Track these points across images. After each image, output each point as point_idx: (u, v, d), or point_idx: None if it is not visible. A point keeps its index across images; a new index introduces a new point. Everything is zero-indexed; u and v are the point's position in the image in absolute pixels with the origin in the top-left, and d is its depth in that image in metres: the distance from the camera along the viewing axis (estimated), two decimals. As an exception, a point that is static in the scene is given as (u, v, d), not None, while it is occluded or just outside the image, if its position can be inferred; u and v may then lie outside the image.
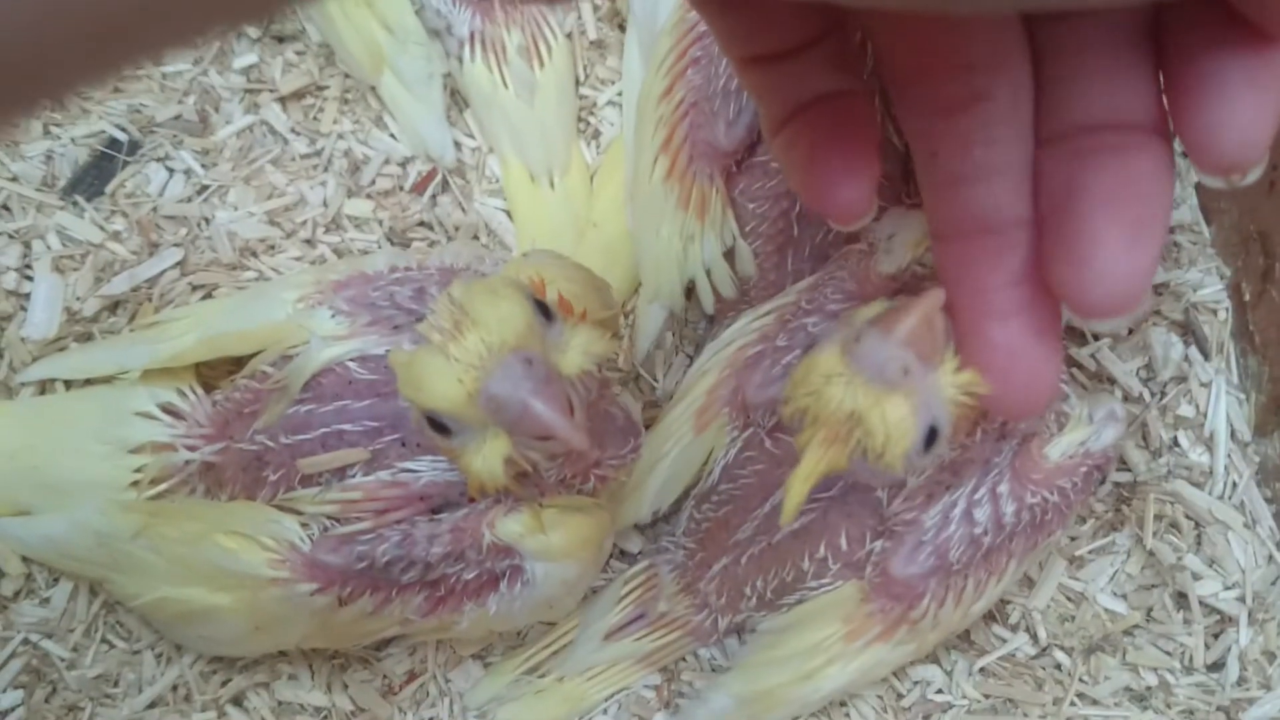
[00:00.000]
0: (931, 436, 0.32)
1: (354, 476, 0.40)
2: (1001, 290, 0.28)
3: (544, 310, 0.36)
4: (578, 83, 0.55)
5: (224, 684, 0.48)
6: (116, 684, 0.48)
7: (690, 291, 0.48)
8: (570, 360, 0.35)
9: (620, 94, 0.55)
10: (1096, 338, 0.49)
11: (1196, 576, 0.47)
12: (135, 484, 0.43)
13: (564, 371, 0.35)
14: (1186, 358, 0.49)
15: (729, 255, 0.46)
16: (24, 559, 0.48)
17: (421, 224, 0.53)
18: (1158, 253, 0.26)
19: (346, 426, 0.40)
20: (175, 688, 0.47)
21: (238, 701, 0.48)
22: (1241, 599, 0.47)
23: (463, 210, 0.54)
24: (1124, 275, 0.25)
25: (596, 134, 0.55)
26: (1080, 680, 0.47)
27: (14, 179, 0.52)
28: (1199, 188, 0.52)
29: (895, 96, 0.28)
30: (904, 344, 0.31)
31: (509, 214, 0.54)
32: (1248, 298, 0.49)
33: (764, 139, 0.30)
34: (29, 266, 0.51)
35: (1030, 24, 0.26)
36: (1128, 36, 0.25)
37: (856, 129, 0.28)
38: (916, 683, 0.47)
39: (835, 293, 0.42)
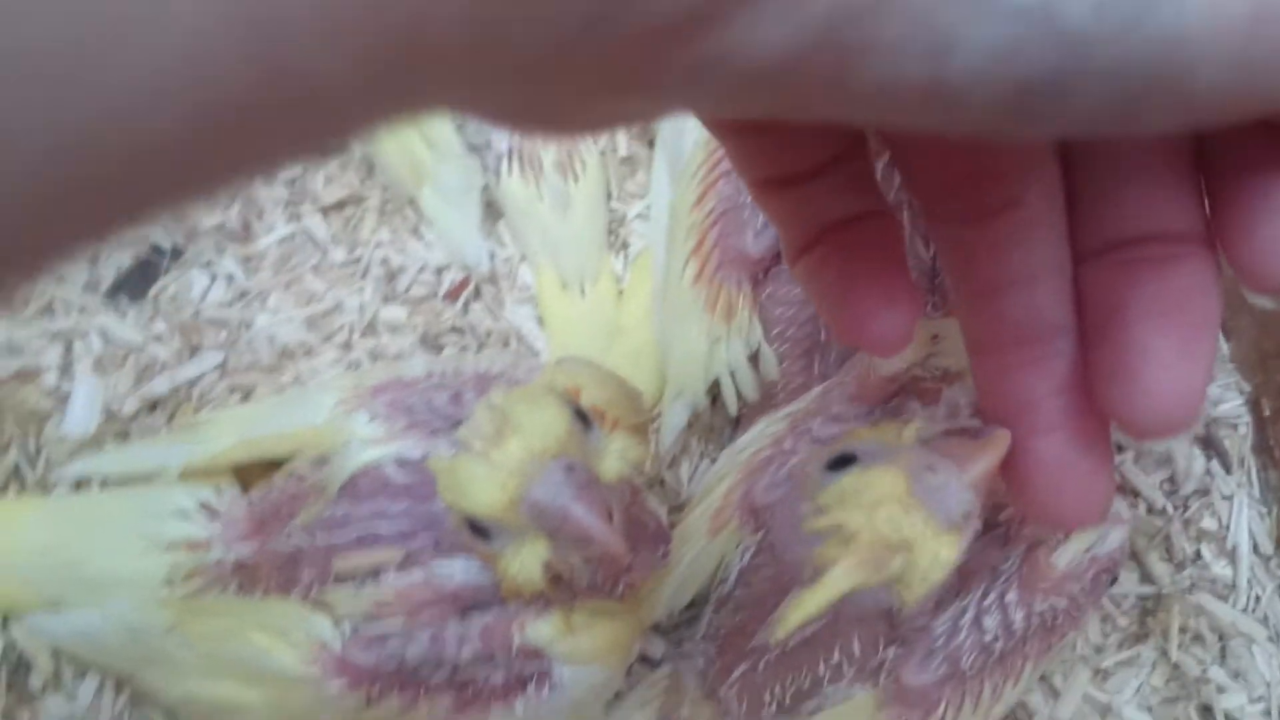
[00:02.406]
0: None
1: (387, 576, 0.41)
2: (1045, 401, 0.27)
3: (582, 417, 0.37)
4: (608, 196, 0.57)
5: (247, 784, 0.47)
6: (139, 781, 0.48)
7: (716, 396, 0.49)
8: (608, 467, 0.36)
9: (648, 207, 0.57)
10: (1120, 450, 0.50)
11: (1221, 689, 0.47)
12: (169, 581, 0.44)
13: (602, 478, 0.36)
14: (1209, 471, 0.50)
15: (754, 359, 0.47)
16: (53, 653, 0.48)
17: (454, 329, 0.55)
18: (1210, 366, 0.25)
19: (382, 527, 0.41)
20: (198, 786, 0.47)
21: (260, 801, 0.47)
22: (1267, 713, 0.47)
23: (494, 317, 0.55)
24: (1176, 391, 0.24)
25: (625, 245, 0.57)
26: (1107, 794, 0.47)
27: (59, 280, 0.54)
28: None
29: (924, 209, 0.27)
30: (976, 487, 0.31)
31: (539, 321, 0.55)
32: (1267, 413, 0.50)
33: (785, 263, 0.29)
34: (69, 366, 0.52)
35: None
36: (1163, 146, 0.24)
37: (886, 253, 0.27)
38: (943, 794, 0.47)
39: (839, 396, 0.42)
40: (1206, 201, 0.25)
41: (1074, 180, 0.25)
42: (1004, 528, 0.41)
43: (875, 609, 0.41)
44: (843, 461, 0.34)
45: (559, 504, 0.34)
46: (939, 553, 0.31)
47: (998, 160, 0.25)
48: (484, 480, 0.34)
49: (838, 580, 0.31)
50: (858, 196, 0.27)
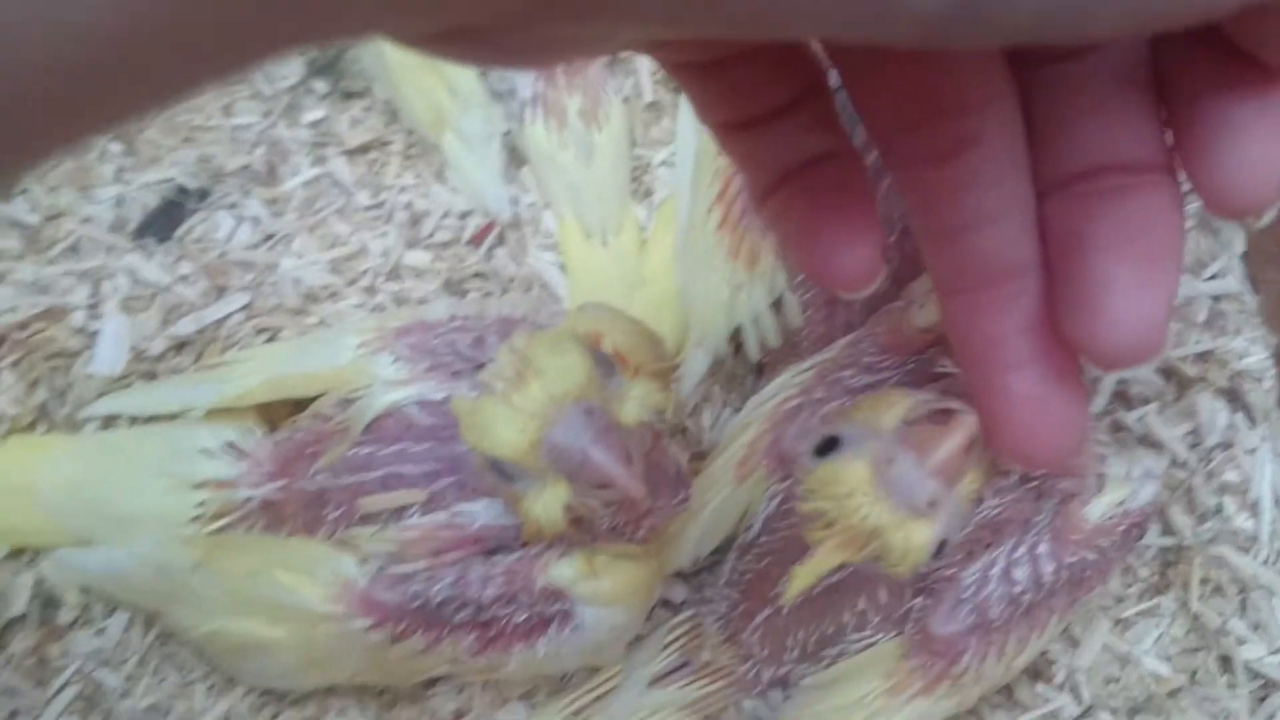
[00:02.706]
0: (940, 547, 0.33)
1: (412, 517, 0.41)
2: (1015, 338, 0.26)
3: (604, 362, 0.37)
4: (633, 143, 0.57)
5: (273, 717, 0.48)
6: (168, 715, 0.48)
7: (739, 345, 0.49)
8: (628, 411, 0.37)
9: (673, 154, 0.56)
10: (1146, 402, 0.50)
11: (1241, 641, 0.48)
12: (196, 519, 0.44)
13: (622, 422, 0.36)
14: (1232, 424, 0.50)
15: (777, 306, 0.47)
16: (82, 589, 0.49)
17: (477, 275, 0.55)
18: (1172, 294, 0.24)
19: (406, 468, 0.41)
20: (226, 720, 0.48)
21: (286, 736, 0.48)
22: (1286, 664, 0.47)
23: (517, 264, 0.55)
24: (1138, 320, 0.24)
25: (649, 193, 0.57)
26: (1122, 742, 0.47)
27: (86, 220, 0.54)
28: (1246, 257, 0.52)
29: (883, 151, 0.27)
30: (937, 475, 0.31)
31: (562, 268, 0.55)
32: (1293, 366, 0.49)
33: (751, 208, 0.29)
34: (96, 306, 0.52)
35: (1016, 65, 0.25)
36: (1120, 75, 0.24)
37: (851, 192, 0.27)
38: (958, 740, 0.48)
39: (871, 346, 0.43)
40: (1170, 130, 0.24)
41: (1034, 114, 0.25)
42: (1038, 482, 0.41)
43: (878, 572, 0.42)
44: (829, 445, 0.35)
45: (578, 447, 0.34)
46: (910, 538, 0.32)
47: (953, 96, 0.24)
48: (505, 422, 0.35)
49: (823, 560, 0.33)
50: (820, 137, 0.27)
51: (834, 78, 0.27)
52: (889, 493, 0.32)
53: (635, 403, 0.37)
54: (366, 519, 0.42)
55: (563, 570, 0.40)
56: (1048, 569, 0.41)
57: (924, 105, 0.25)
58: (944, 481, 0.32)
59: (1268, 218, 0.23)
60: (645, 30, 0.22)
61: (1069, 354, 0.26)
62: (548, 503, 0.36)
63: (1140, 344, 0.24)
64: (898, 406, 0.33)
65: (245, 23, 0.15)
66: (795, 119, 0.27)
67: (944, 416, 0.32)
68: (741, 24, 0.19)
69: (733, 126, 0.27)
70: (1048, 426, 0.27)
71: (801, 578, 0.33)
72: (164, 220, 0.54)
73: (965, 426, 0.29)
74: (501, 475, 0.37)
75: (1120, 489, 0.41)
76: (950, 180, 0.25)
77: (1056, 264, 0.25)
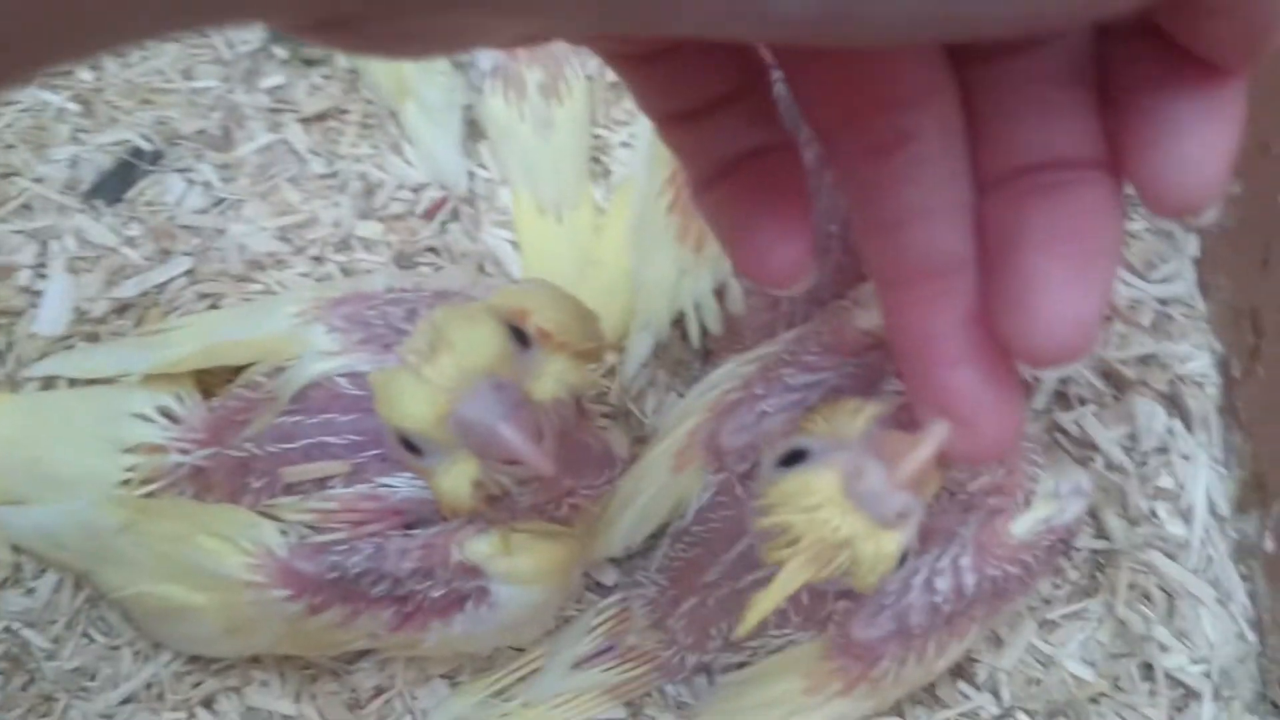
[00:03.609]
0: (903, 558, 0.33)
1: (334, 488, 0.41)
2: (951, 335, 0.26)
3: (520, 337, 0.36)
4: (593, 122, 0.57)
5: (196, 685, 0.48)
6: (93, 678, 0.48)
7: (684, 331, 0.49)
8: (543, 387, 0.36)
9: (633, 135, 0.56)
10: (1082, 402, 0.50)
11: (1164, 648, 0.47)
12: (126, 482, 0.44)
13: (536, 398, 0.36)
14: (1170, 430, 0.49)
15: (720, 293, 0.47)
16: (14, 549, 0.49)
17: (429, 250, 0.54)
18: (1105, 293, 0.24)
19: (330, 439, 0.41)
20: (149, 686, 0.48)
21: (208, 704, 0.48)
22: (1208, 674, 0.47)
23: (470, 239, 0.55)
24: (1068, 318, 0.24)
25: (607, 173, 0.56)
26: (1040, 744, 0.47)
27: (39, 180, 0.54)
28: (1198, 263, 0.52)
29: (823, 144, 0.27)
30: (907, 486, 0.31)
31: (515, 245, 0.55)
32: (1236, 374, 0.49)
33: (691, 200, 0.29)
34: (44, 265, 0.52)
35: (957, 61, 0.25)
36: (1062, 72, 0.24)
37: (787, 187, 0.27)
38: (878, 735, 0.48)
39: (814, 346, 0.42)
40: (1111, 127, 0.24)
41: (975, 111, 0.25)
42: (969, 496, 0.41)
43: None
44: (793, 458, 0.34)
45: (486, 422, 0.34)
46: (880, 548, 0.32)
47: (892, 90, 0.24)
48: (413, 394, 0.35)
49: (789, 580, 0.32)
50: (759, 130, 0.27)
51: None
52: (859, 503, 0.31)
53: (551, 379, 0.36)
54: (291, 489, 0.42)
55: (478, 546, 0.40)
56: (969, 581, 0.40)
57: (862, 98, 0.25)
58: (913, 492, 0.31)
59: (1207, 217, 0.23)
60: (513, 23, 0.21)
61: (1004, 353, 0.26)
62: (455, 478, 0.36)
63: (1068, 343, 0.24)
64: (863, 413, 0.33)
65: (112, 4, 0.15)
66: (734, 111, 0.27)
67: (910, 420, 0.32)
68: (605, 18, 0.19)
69: (672, 118, 0.27)
70: (983, 423, 0.27)
71: (765, 602, 0.32)
72: (116, 182, 0.54)
73: (936, 436, 0.29)
74: (411, 450, 0.36)
75: (1047, 505, 0.41)
76: (887, 174, 0.25)
77: (991, 261, 0.25)
